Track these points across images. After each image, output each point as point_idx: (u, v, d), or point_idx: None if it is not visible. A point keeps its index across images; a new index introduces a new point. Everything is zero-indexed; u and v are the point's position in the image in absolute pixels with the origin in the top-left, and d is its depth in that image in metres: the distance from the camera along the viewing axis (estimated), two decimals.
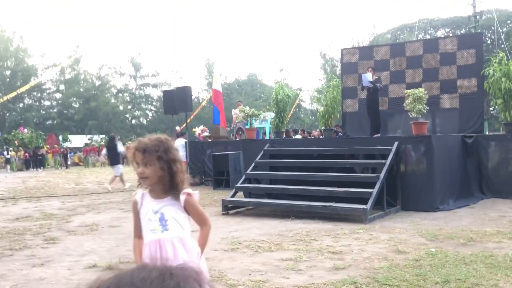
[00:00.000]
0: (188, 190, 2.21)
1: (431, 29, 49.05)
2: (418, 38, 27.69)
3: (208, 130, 15.91)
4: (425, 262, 4.24)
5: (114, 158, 12.19)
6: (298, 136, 16.77)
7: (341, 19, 69.94)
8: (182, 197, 2.18)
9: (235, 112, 12.23)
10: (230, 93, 52.81)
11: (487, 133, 15.59)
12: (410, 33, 39.25)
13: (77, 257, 4.94)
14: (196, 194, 2.26)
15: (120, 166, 12.36)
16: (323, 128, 13.19)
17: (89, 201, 9.78)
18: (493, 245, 4.86)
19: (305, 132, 17.04)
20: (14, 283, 4.06)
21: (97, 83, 46.59)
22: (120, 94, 48.65)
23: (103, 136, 38.59)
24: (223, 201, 7.55)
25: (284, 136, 13.85)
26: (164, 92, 13.12)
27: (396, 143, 7.35)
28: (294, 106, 31.92)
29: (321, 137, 11.56)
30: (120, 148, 12.39)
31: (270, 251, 4.92)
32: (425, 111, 7.68)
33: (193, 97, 46.54)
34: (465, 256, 4.40)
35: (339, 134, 13.45)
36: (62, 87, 46.16)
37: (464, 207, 7.58)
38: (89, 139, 33.27)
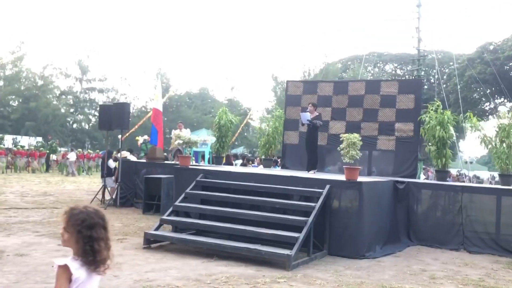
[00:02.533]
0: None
1: (380, 62, 50.93)
2: (362, 78, 28.50)
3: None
4: None
5: (108, 171, 12.45)
6: (239, 162, 16.59)
7: (294, 44, 71.27)
8: None
9: (175, 133, 11.86)
10: (180, 105, 52.13)
11: (421, 175, 16.13)
12: (360, 64, 40.41)
13: None
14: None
15: (110, 178, 12.46)
16: (263, 157, 13.10)
17: (2, 218, 9.05)
18: None
19: (245, 159, 16.88)
20: None
21: (40, 82, 44.50)
22: (63, 96, 46.70)
23: (39, 139, 36.76)
24: (145, 234, 7.15)
25: (224, 161, 13.63)
26: (101, 106, 12.60)
27: (327, 187, 7.29)
28: (242, 125, 31.84)
29: (256, 170, 11.40)
30: (111, 164, 12.32)
31: None
32: (358, 157, 7.70)
33: (141, 106, 45.32)
34: None
35: (278, 165, 13.38)
36: (0, 83, 43.75)
37: (390, 255, 7.60)
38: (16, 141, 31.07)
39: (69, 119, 46.88)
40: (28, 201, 12.18)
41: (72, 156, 24.90)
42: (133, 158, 13.98)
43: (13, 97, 43.39)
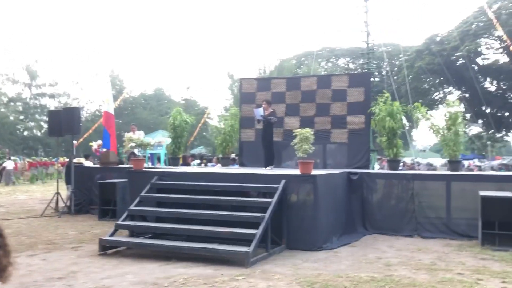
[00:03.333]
0: None
1: (333, 57, 51.83)
2: (313, 74, 28.94)
3: None
4: None
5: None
6: (196, 162, 16.48)
7: (248, 41, 71.47)
8: None
9: (127, 136, 11.63)
10: (135, 107, 51.20)
11: (375, 165, 16.56)
12: (313, 60, 40.96)
13: None
14: None
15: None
16: (220, 156, 13.06)
17: None
18: None
19: (202, 159, 16.77)
20: None
21: None
22: (12, 103, 44.92)
23: None
24: (100, 240, 6.99)
25: (181, 162, 13.50)
26: (49, 112, 12.22)
27: (283, 182, 7.35)
28: (200, 125, 31.61)
29: (212, 170, 11.37)
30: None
31: None
32: (311, 151, 7.81)
33: (94, 110, 44.15)
34: None
35: (236, 163, 13.39)
36: None
37: (347, 245, 7.75)
38: None
39: (19, 127, 45.15)
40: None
41: (9, 165, 23.89)
42: (89, 163, 13.63)
43: None
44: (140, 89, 53.11)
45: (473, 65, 34.67)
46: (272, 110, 10.14)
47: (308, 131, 7.84)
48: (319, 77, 13.41)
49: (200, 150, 41.56)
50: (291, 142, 8.63)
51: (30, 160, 27.44)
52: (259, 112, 9.86)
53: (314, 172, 7.73)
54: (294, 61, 47.81)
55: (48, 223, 10.03)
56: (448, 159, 10.33)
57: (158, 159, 15.68)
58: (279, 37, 74.43)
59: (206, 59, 79.51)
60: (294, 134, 8.06)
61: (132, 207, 7.67)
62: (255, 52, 78.47)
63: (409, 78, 33.09)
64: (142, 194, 7.91)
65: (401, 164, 16.06)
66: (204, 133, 45.53)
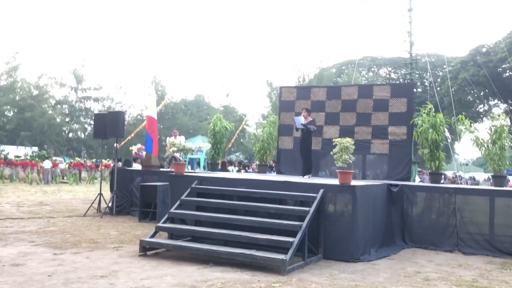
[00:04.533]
0: None
1: (374, 66, 51.23)
2: (354, 83, 28.65)
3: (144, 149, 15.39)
4: None
5: None
6: (233, 168, 16.65)
7: (288, 49, 71.58)
8: None
9: (169, 140, 11.93)
10: (176, 112, 52.22)
11: (416, 178, 16.24)
12: (354, 69, 40.61)
13: None
14: None
15: None
16: (257, 163, 13.17)
17: None
18: None
19: (241, 165, 16.93)
20: None
21: (35, 92, 44.54)
22: (59, 106, 46.73)
23: (35, 148, 36.68)
24: (141, 241, 7.17)
25: (219, 167, 13.68)
26: (96, 115, 12.65)
27: (321, 191, 7.34)
28: (237, 131, 31.92)
29: (250, 176, 11.45)
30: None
31: None
32: (351, 161, 7.76)
33: (136, 114, 45.34)
34: None
35: (273, 170, 13.45)
36: None
37: (385, 258, 7.65)
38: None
39: (64, 128, 46.89)
40: (24, 211, 12.18)
41: (47, 164, 24.88)
42: (137, 166, 14.01)
43: (8, 107, 43.40)
44: (181, 95, 54.19)
45: None
46: (311, 119, 10.14)
47: (348, 141, 7.81)
48: (360, 86, 13.35)
49: (237, 156, 41.88)
50: (329, 151, 8.62)
51: (74, 161, 28.38)
52: (300, 120, 9.89)
53: (354, 182, 7.68)
54: (334, 70, 47.62)
55: (91, 222, 10.38)
56: (492, 173, 10.03)
57: (198, 164, 15.95)
58: (319, 45, 74.18)
59: (246, 66, 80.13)
60: (334, 144, 8.03)
61: (172, 210, 7.84)
62: (294, 60, 78.52)
63: (452, 89, 32.29)
64: (183, 197, 8.07)
65: (442, 177, 15.69)
66: (242, 140, 45.88)
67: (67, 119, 47.22)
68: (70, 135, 48.03)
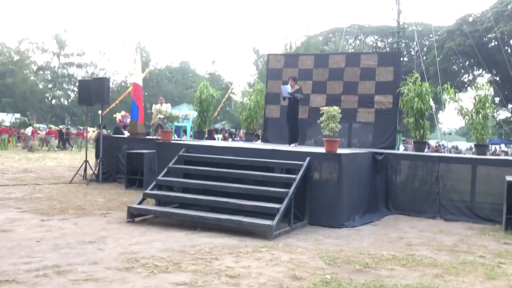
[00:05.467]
0: None
1: (361, 35, 50.93)
2: (342, 51, 28.47)
3: (129, 116, 15.26)
4: None
5: None
6: (219, 136, 16.64)
7: (275, 16, 70.64)
8: None
9: (156, 108, 11.84)
10: (161, 79, 51.49)
11: (400, 147, 16.44)
12: (341, 37, 40.33)
13: None
14: None
15: None
16: (244, 131, 13.18)
17: None
18: (386, 272, 5.01)
19: (227, 133, 16.92)
20: None
21: (16, 57, 43.43)
22: (41, 72, 45.74)
23: (18, 115, 36.14)
24: (128, 208, 7.22)
25: (206, 136, 13.67)
26: (80, 82, 12.46)
27: (308, 159, 7.42)
28: (224, 100, 31.72)
29: (237, 144, 11.48)
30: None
31: (167, 272, 4.73)
32: (337, 129, 7.82)
33: (120, 81, 44.63)
34: (357, 286, 4.48)
35: (259, 139, 13.48)
36: None
37: (369, 224, 7.84)
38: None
39: (47, 95, 46.06)
40: (9, 178, 12.11)
41: (29, 131, 24.92)
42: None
43: None
44: (166, 62, 53.30)
45: (506, 47, 33.64)
46: (298, 87, 10.12)
47: (335, 109, 7.84)
48: (348, 54, 13.28)
49: (223, 125, 41.79)
50: (316, 120, 8.65)
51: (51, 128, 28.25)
52: (286, 89, 9.87)
53: (340, 150, 7.77)
54: (321, 38, 47.20)
55: (77, 189, 10.38)
56: (474, 143, 10.21)
57: (184, 132, 15.89)
58: (306, 13, 73.28)
59: (232, 33, 79.03)
60: (321, 112, 8.06)
61: (160, 177, 7.87)
62: (281, 28, 77.63)
63: (438, 59, 32.37)
64: (170, 165, 8.09)
65: (426, 146, 15.91)
66: (228, 108, 45.65)
67: (50, 86, 46.32)
68: (53, 102, 47.22)
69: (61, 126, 34.65)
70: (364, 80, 11.17)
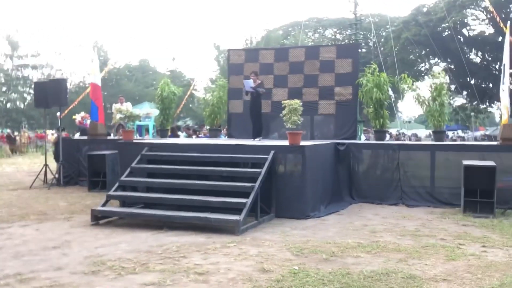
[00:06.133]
0: None
1: (320, 28, 51.45)
2: (302, 45, 28.71)
3: (89, 117, 14.91)
4: (286, 283, 4.32)
5: None
6: (182, 134, 16.51)
7: (235, 11, 70.47)
8: None
9: (116, 107, 11.61)
10: (120, 78, 50.50)
11: (361, 137, 16.79)
12: (301, 30, 40.62)
13: None
14: None
15: None
16: (208, 127, 13.13)
17: None
18: (352, 260, 5.13)
19: (191, 130, 16.81)
20: None
21: None
22: None
23: None
24: (92, 211, 7.08)
25: (169, 133, 13.54)
26: (36, 83, 12.06)
27: (272, 152, 7.48)
28: (186, 96, 31.42)
29: (201, 141, 11.45)
30: None
31: (134, 273, 4.68)
32: (299, 122, 7.92)
33: (78, 81, 43.50)
34: (325, 274, 4.57)
35: (222, 134, 13.45)
36: None
37: (334, 214, 7.99)
38: None
39: (1, 99, 44.35)
40: None
41: None
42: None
43: None
44: (125, 61, 52.30)
45: (459, 36, 34.76)
46: (260, 82, 10.16)
47: (297, 102, 7.93)
48: (308, 48, 13.40)
49: (185, 122, 41.47)
50: (279, 113, 8.72)
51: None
52: (249, 83, 9.89)
53: (303, 143, 7.87)
54: (281, 32, 47.43)
55: (38, 194, 10.08)
56: (432, 129, 10.55)
57: (147, 131, 15.70)
58: (265, 7, 73.48)
59: (191, 29, 78.27)
60: (283, 105, 8.14)
61: (123, 178, 7.75)
62: (241, 23, 77.58)
63: (395, 49, 33.13)
64: (133, 165, 7.98)
65: (387, 135, 16.31)
66: (191, 105, 45.27)
67: (4, 89, 44.61)
68: (8, 105, 45.51)
69: (8, 131, 33.62)
70: (324, 73, 11.32)
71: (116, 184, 7.69)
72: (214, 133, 12.79)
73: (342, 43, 40.69)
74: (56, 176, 11.33)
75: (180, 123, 38.20)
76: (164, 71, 51.15)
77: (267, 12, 77.83)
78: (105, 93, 41.87)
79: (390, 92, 10.90)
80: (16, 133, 30.59)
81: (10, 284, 4.34)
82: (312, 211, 7.64)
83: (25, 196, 9.82)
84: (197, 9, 79.14)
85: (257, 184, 6.90)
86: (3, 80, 44.76)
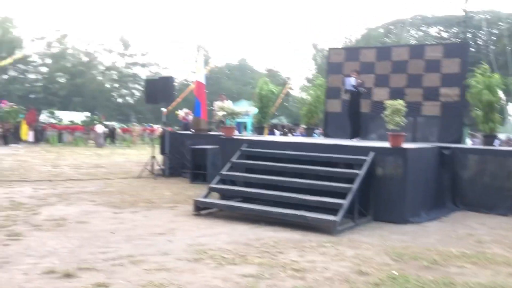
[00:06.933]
0: None
1: (424, 26, 49.03)
2: (405, 43, 27.59)
3: (192, 114, 15.72)
4: (384, 287, 4.24)
5: None
6: (277, 133, 16.74)
7: (334, 10, 69.55)
8: None
9: (218, 105, 12.11)
10: (220, 77, 52.43)
11: (467, 141, 15.77)
12: (403, 28, 39.10)
13: (37, 259, 4.83)
14: None
15: None
16: (304, 126, 13.19)
17: (62, 189, 9.64)
18: (455, 269, 4.88)
19: (285, 129, 16.97)
20: None
21: (85, 59, 45.87)
22: (108, 72, 48.01)
23: (88, 114, 38.03)
24: (195, 201, 7.47)
25: (268, 132, 13.82)
26: (146, 81, 12.99)
27: (371, 154, 7.33)
28: (282, 95, 31.77)
29: (298, 139, 11.50)
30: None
31: (234, 264, 4.87)
32: (403, 123, 7.65)
33: (182, 79, 45.99)
34: (426, 282, 4.40)
35: (316, 133, 13.40)
36: (48, 61, 45.36)
37: (435, 220, 7.62)
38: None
39: (114, 94, 48.29)
40: (82, 173, 12.85)
41: (99, 129, 26.32)
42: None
43: (61, 74, 45.01)
44: (225, 60, 54.17)
45: None
46: (360, 81, 10.00)
47: (400, 103, 7.68)
48: (412, 47, 12.95)
49: (280, 120, 41.89)
50: (378, 114, 8.52)
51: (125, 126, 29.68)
52: (350, 81, 9.76)
53: (404, 145, 7.61)
54: (382, 30, 45.98)
55: (146, 184, 10.85)
56: None
57: (244, 128, 16.16)
58: (366, 4, 71.67)
59: (290, 28, 78.79)
60: (384, 106, 7.92)
61: (223, 172, 8.07)
62: (340, 21, 76.38)
63: (509, 48, 30.59)
64: (233, 160, 8.27)
65: (496, 140, 15.16)
66: (286, 104, 45.66)
67: (116, 85, 48.50)
68: (120, 100, 49.40)
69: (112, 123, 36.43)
70: (429, 73, 10.84)
71: (217, 178, 8.03)
72: (311, 131, 12.82)
73: (448, 41, 38.50)
74: (162, 167, 12.10)
75: (275, 121, 38.67)
76: (261, 70, 52.15)
77: (368, 9, 75.74)
78: (206, 91, 43.81)
79: (501, 94, 10.13)
80: (126, 126, 33.15)
81: (124, 264, 4.74)
82: (412, 216, 7.36)
83: (134, 185, 10.63)
84: (296, 8, 79.35)
85: (355, 186, 6.81)
86: (116, 77, 48.69)
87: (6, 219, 6.66)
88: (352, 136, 10.02)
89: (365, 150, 7.54)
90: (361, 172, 7.04)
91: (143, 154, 18.96)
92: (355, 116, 10.06)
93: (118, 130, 30.17)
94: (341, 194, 6.81)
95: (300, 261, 5.01)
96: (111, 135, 29.53)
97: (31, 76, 45.94)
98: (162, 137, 13.21)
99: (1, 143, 24.73)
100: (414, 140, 10.72)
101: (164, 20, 75.02)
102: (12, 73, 43.84)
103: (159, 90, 11.74)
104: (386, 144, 7.73)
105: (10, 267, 4.56)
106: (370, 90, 11.30)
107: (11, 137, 25.78)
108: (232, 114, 9.78)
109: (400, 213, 7.26)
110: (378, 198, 7.38)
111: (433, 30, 48.97)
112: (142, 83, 48.24)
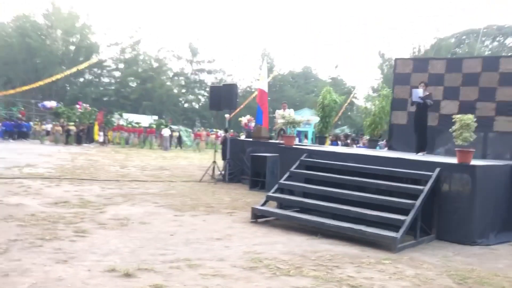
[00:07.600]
0: None
1: (500, 36, 46.57)
2: (478, 55, 26.25)
3: (254, 121, 15.87)
4: None
5: None
6: (339, 143, 16.48)
7: (403, 19, 67.66)
8: None
9: (279, 113, 12.16)
10: (283, 84, 52.61)
11: None
12: (476, 39, 37.34)
13: (100, 256, 5.06)
14: None
15: None
16: (367, 137, 12.90)
17: (127, 190, 10.05)
18: None
19: (347, 139, 16.67)
20: (34, 281, 4.20)
21: (155, 65, 47.78)
22: (176, 78, 49.70)
23: (155, 117, 39.54)
24: (253, 209, 7.52)
25: (328, 141, 13.66)
26: (211, 87, 13.29)
27: (437, 170, 7.02)
28: (345, 104, 31.34)
29: (360, 151, 11.24)
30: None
31: (289, 275, 4.83)
32: (471, 139, 7.27)
33: (246, 86, 46.78)
34: None
35: (378, 145, 13.06)
36: (121, 66, 47.69)
37: (506, 244, 7.16)
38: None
39: (181, 99, 49.88)
40: (147, 174, 13.34)
41: (165, 132, 27.28)
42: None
43: (132, 78, 47.17)
44: (289, 67, 54.35)
45: None
46: (428, 93, 9.63)
47: (470, 118, 7.30)
48: (485, 58, 12.29)
49: (342, 130, 41.29)
50: (447, 128, 8.13)
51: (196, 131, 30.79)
52: (418, 93, 9.42)
53: (473, 162, 7.22)
54: (453, 40, 44.17)
55: (206, 188, 11.08)
56: None
57: (305, 136, 16.07)
58: (437, 13, 69.08)
59: (356, 37, 77.66)
60: (453, 120, 7.57)
61: (282, 181, 8.06)
62: (409, 30, 74.23)
63: None
64: (292, 169, 8.24)
65: None
66: (349, 113, 44.96)
67: (183, 91, 50.07)
68: (186, 105, 50.92)
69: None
70: (504, 86, 10.26)
71: (276, 186, 8.02)
72: (374, 143, 12.52)
73: None
74: (223, 172, 12.30)
75: (337, 130, 38.16)
76: (325, 78, 51.75)
77: (438, 18, 73.07)
78: (269, 98, 44.07)
79: None
80: (191, 130, 34.25)
81: (181, 267, 4.84)
82: (479, 237, 6.96)
83: (195, 188, 10.88)
84: (363, 15, 78.15)
85: (418, 202, 6.55)
86: (183, 83, 50.29)
87: (74, 216, 7.04)
88: (418, 150, 9.65)
89: (430, 166, 7.24)
90: (426, 188, 6.76)
91: (205, 159, 19.39)
92: (422, 129, 9.68)
93: (184, 135, 31.33)
94: (403, 210, 6.56)
95: (357, 277, 4.88)
96: (178, 140, 30.58)
97: (105, 79, 48.51)
98: (223, 142, 13.44)
99: (75, 143, 26.27)
100: (483, 157, 10.16)
101: (231, 28, 76.58)
102: (88, 76, 46.52)
103: (223, 97, 11.98)
104: (453, 160, 7.37)
105: (76, 262, 4.80)
106: (439, 103, 10.86)
107: (84, 137, 27.36)
108: (293, 123, 9.76)
109: (466, 233, 6.88)
110: (442, 216, 7.05)
111: (509, 41, 46.38)
112: (208, 89, 49.60)
